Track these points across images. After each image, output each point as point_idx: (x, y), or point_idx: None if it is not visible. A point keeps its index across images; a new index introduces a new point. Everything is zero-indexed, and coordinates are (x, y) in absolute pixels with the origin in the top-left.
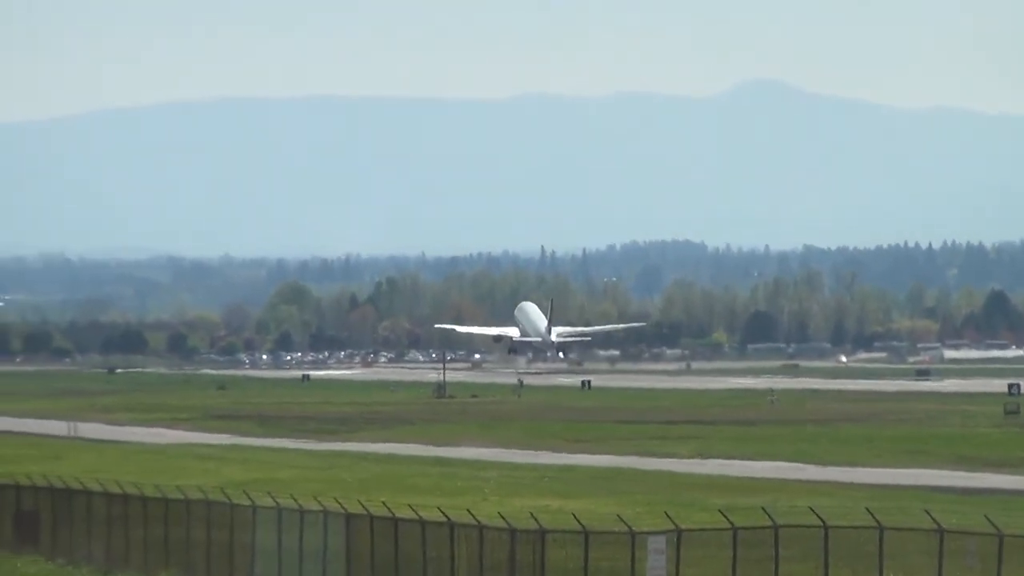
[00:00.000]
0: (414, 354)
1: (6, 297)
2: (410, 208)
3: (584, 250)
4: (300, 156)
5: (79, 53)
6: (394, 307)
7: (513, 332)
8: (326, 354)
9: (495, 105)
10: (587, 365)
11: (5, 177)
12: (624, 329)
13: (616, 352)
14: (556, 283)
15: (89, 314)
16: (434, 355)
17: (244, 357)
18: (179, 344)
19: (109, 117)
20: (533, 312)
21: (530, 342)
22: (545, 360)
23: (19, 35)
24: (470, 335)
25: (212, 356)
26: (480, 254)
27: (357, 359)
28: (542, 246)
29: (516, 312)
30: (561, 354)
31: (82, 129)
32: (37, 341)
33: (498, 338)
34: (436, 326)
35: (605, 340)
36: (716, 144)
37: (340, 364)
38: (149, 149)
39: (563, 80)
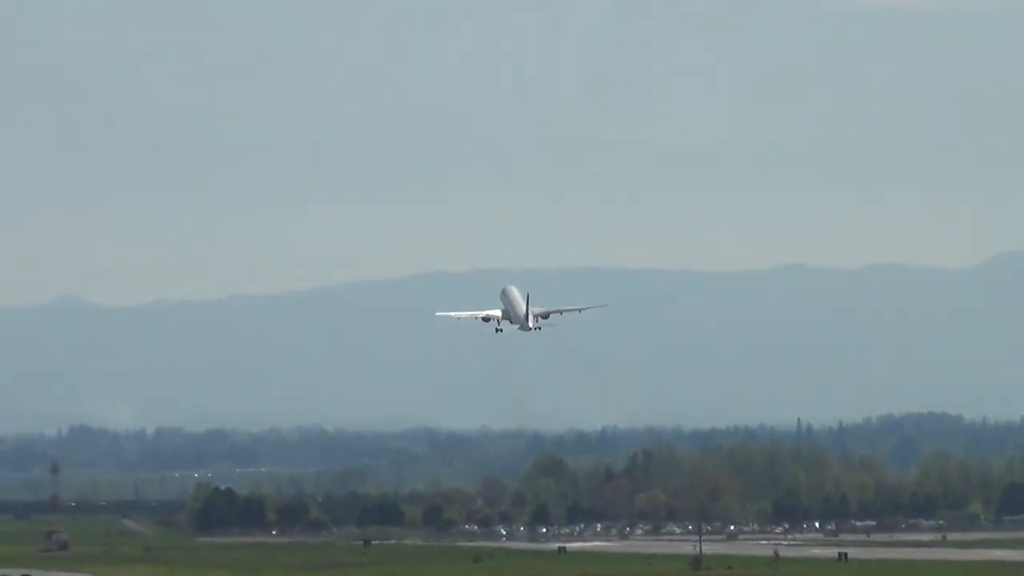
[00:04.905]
0: (671, 526)
1: (262, 469)
2: (666, 379)
3: (840, 422)
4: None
5: (332, 226)
6: (650, 479)
7: (496, 313)
8: (582, 526)
9: (752, 275)
10: (843, 536)
11: (261, 349)
12: (593, 308)
13: (872, 523)
14: (812, 455)
15: (345, 486)
16: (691, 527)
17: (501, 529)
18: (435, 516)
19: (365, 288)
20: (515, 296)
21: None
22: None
23: (268, 211)
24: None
25: (469, 528)
26: (736, 426)
27: (614, 531)
28: (798, 418)
29: (500, 295)
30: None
31: (338, 300)
32: (293, 513)
33: (486, 319)
34: (437, 313)
35: (860, 512)
36: (970, 315)
37: (596, 536)
38: (406, 319)
39: (818, 251)
